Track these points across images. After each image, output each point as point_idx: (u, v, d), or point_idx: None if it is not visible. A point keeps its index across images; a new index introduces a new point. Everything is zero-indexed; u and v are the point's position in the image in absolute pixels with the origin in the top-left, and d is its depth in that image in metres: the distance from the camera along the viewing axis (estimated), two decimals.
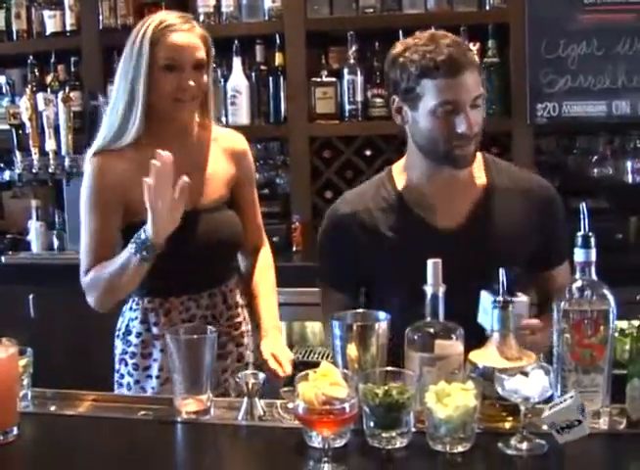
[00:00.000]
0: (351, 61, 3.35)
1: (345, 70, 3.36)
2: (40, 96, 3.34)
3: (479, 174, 1.97)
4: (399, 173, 2.00)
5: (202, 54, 1.93)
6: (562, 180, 3.33)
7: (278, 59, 3.41)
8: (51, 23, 3.60)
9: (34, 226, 3.56)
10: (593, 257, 1.53)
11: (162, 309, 2.02)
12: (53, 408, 1.75)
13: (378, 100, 3.31)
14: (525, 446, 1.45)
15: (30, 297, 3.33)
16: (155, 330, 2.02)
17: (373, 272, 1.98)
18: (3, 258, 3.48)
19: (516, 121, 3.25)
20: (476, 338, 1.61)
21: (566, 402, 1.43)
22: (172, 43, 1.89)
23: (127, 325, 2.07)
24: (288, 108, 3.43)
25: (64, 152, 3.33)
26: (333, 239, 2.03)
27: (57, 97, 3.35)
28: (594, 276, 1.54)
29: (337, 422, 1.39)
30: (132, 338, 2.06)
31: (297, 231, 3.38)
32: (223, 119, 3.35)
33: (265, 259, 2.19)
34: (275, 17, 3.40)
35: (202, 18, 3.33)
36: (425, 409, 1.47)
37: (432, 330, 1.57)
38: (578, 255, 1.54)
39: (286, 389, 1.63)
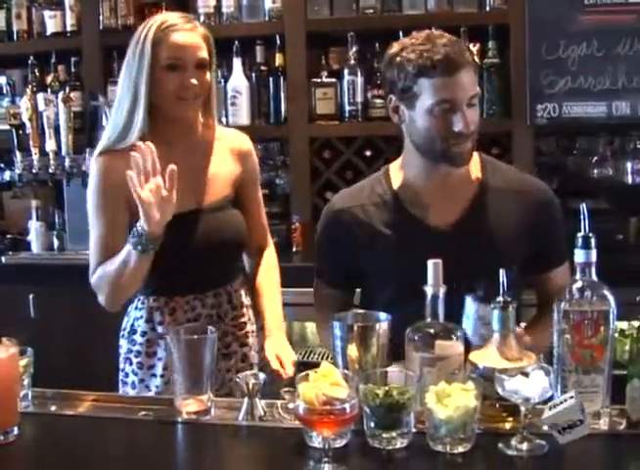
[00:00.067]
0: (351, 61, 3.35)
1: (346, 71, 3.36)
2: (40, 96, 3.34)
3: (474, 174, 1.98)
4: (396, 172, 2.02)
5: (204, 53, 1.94)
6: (562, 181, 3.34)
7: (278, 59, 3.41)
8: (51, 23, 3.60)
9: (34, 226, 3.56)
10: (593, 257, 1.53)
11: (168, 308, 2.03)
12: (53, 408, 1.75)
13: (378, 101, 3.31)
14: (525, 446, 1.45)
15: (30, 297, 3.33)
16: (160, 329, 2.02)
17: (366, 269, 2.00)
18: (3, 259, 3.48)
19: (516, 122, 3.25)
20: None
21: (567, 403, 1.43)
22: (174, 43, 1.90)
23: (132, 324, 2.08)
24: (288, 108, 3.43)
25: (64, 152, 3.34)
26: (328, 235, 2.05)
27: (57, 97, 3.35)
28: (594, 277, 1.54)
29: (337, 422, 1.39)
30: (137, 337, 2.06)
31: (296, 231, 3.39)
32: (223, 120, 3.35)
33: (270, 260, 2.20)
34: (275, 17, 3.40)
35: (202, 18, 3.33)
36: (425, 410, 1.47)
37: (432, 331, 1.58)
38: (579, 255, 1.54)
39: (286, 389, 1.63)
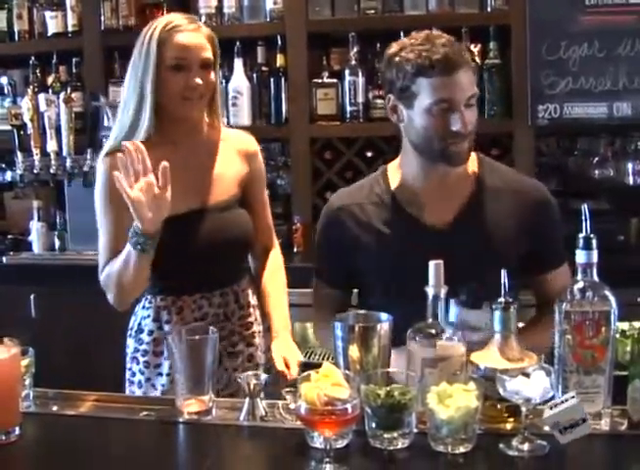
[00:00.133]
0: (352, 62, 3.36)
1: (347, 72, 3.37)
2: (42, 97, 3.34)
3: (472, 174, 1.99)
4: (394, 171, 2.03)
5: (208, 53, 1.96)
6: (563, 182, 3.34)
7: (279, 60, 3.41)
8: (53, 23, 3.60)
9: (36, 227, 3.56)
10: (594, 258, 1.53)
11: (175, 307, 2.03)
12: (55, 408, 1.75)
13: (379, 101, 3.31)
14: (526, 446, 1.45)
15: (32, 297, 3.33)
16: (167, 328, 2.02)
17: (364, 268, 2.01)
18: (4, 259, 3.49)
19: (517, 123, 3.25)
20: None
21: (569, 402, 1.43)
22: (179, 43, 1.92)
23: (139, 323, 2.09)
24: (289, 109, 3.43)
25: (65, 152, 3.34)
26: (327, 233, 2.07)
27: (58, 98, 3.35)
28: (595, 277, 1.54)
29: (338, 423, 1.39)
30: (144, 336, 2.07)
31: (297, 232, 3.39)
32: (224, 121, 3.34)
33: (276, 260, 2.20)
34: (276, 18, 3.40)
35: (203, 19, 3.33)
36: (426, 410, 1.47)
37: (433, 331, 1.58)
38: (580, 256, 1.54)
39: (288, 389, 1.63)
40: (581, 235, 1.54)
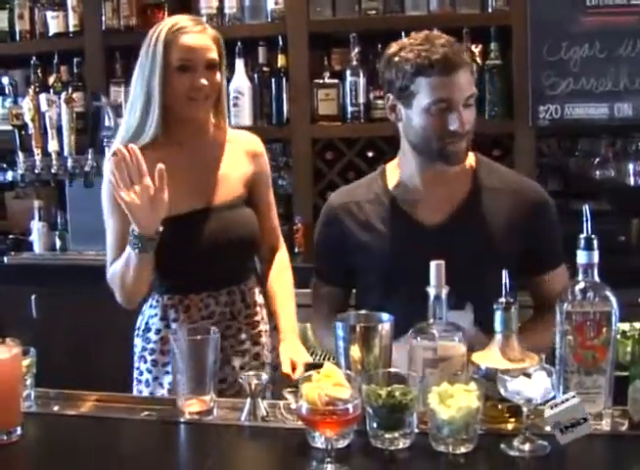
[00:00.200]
0: (354, 62, 3.36)
1: (348, 72, 3.37)
2: (43, 97, 3.34)
3: (469, 174, 2.00)
4: (392, 171, 2.05)
5: (213, 54, 1.97)
6: (564, 182, 3.34)
7: (280, 60, 3.42)
8: (54, 23, 3.61)
9: (37, 227, 3.57)
10: (596, 259, 1.53)
11: (182, 306, 2.04)
12: (56, 408, 1.75)
13: (380, 102, 3.30)
14: (527, 447, 1.45)
15: (33, 297, 3.33)
16: (174, 326, 2.03)
17: (362, 266, 2.02)
18: (5, 259, 3.49)
19: (518, 123, 3.25)
20: None
21: (570, 401, 1.43)
22: (185, 45, 1.94)
23: (147, 323, 2.10)
24: (290, 109, 3.43)
25: (66, 152, 3.33)
26: (325, 231, 2.09)
27: (59, 98, 3.35)
28: (596, 278, 1.54)
29: (340, 423, 1.39)
30: (151, 335, 2.08)
31: (299, 232, 3.40)
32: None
33: (282, 261, 2.21)
34: (278, 18, 3.40)
35: (204, 19, 3.32)
36: (428, 410, 1.48)
37: (434, 331, 1.58)
38: (581, 257, 1.54)
39: (289, 389, 1.64)
40: (582, 236, 1.54)
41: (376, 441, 1.49)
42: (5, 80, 3.74)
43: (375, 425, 1.49)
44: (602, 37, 3.11)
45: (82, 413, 1.74)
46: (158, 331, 2.06)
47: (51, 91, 3.47)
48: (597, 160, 3.39)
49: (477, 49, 3.34)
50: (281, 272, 2.18)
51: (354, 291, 2.14)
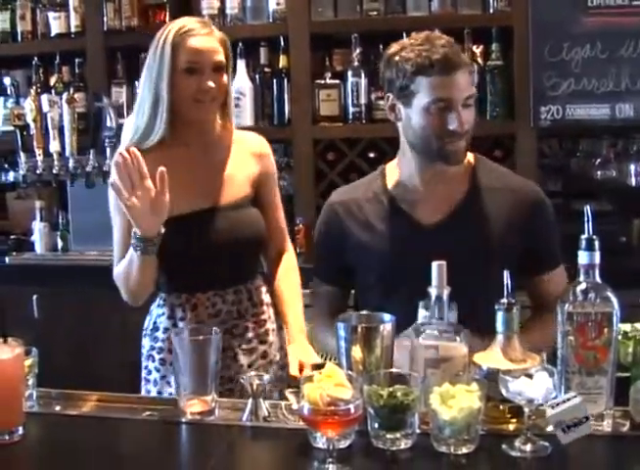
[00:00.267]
0: (355, 63, 3.36)
1: (349, 73, 3.37)
2: (44, 97, 3.35)
3: (468, 173, 2.01)
4: (392, 170, 2.07)
5: (220, 57, 1.98)
6: (565, 183, 3.34)
7: (282, 61, 3.42)
8: (56, 24, 3.61)
9: (38, 227, 3.57)
10: (597, 259, 1.53)
11: (189, 305, 2.05)
12: (58, 408, 1.75)
13: (381, 102, 3.29)
14: (528, 447, 1.45)
15: (34, 297, 3.34)
16: (181, 325, 2.03)
17: (360, 264, 2.03)
18: (7, 259, 3.50)
19: (519, 124, 3.25)
20: None
21: (571, 401, 1.43)
22: (192, 47, 1.95)
23: (155, 322, 2.10)
24: (292, 110, 3.43)
25: (68, 153, 3.34)
26: (324, 229, 2.11)
27: (61, 98, 3.36)
28: (598, 279, 1.54)
29: (341, 423, 1.39)
30: (159, 334, 2.08)
31: (300, 233, 3.40)
32: None
33: (289, 262, 2.21)
34: (279, 19, 3.41)
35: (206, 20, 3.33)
36: (429, 411, 1.47)
37: (436, 332, 1.58)
38: (582, 257, 1.54)
39: (291, 390, 1.64)
40: (584, 236, 1.54)
41: (377, 441, 1.49)
42: (7, 81, 3.75)
43: (376, 425, 1.49)
44: (603, 38, 3.11)
45: (84, 413, 1.74)
46: (165, 330, 2.07)
47: (53, 92, 3.47)
48: (598, 160, 3.39)
49: (478, 50, 3.35)
50: (288, 272, 2.18)
51: (353, 292, 2.15)
